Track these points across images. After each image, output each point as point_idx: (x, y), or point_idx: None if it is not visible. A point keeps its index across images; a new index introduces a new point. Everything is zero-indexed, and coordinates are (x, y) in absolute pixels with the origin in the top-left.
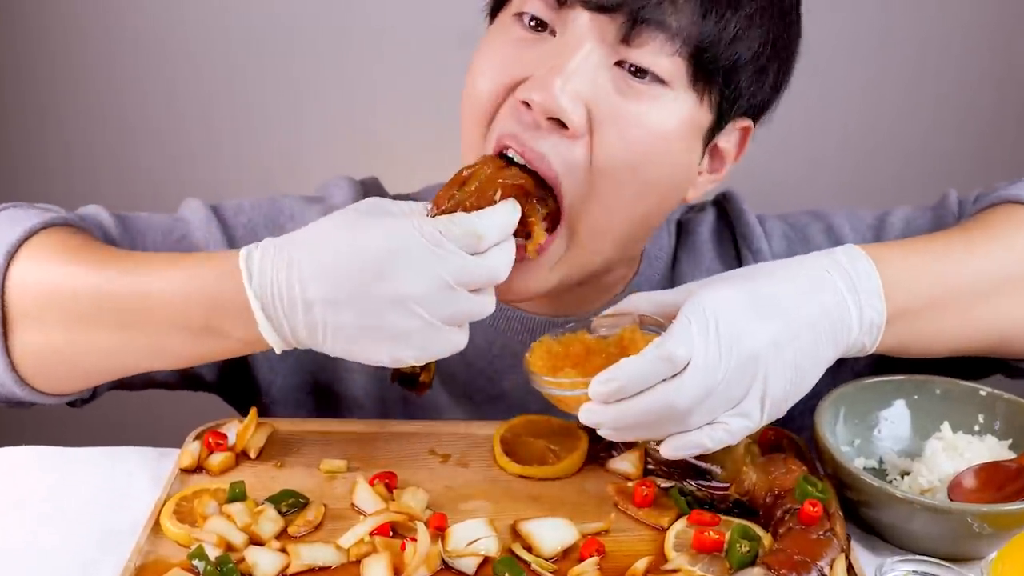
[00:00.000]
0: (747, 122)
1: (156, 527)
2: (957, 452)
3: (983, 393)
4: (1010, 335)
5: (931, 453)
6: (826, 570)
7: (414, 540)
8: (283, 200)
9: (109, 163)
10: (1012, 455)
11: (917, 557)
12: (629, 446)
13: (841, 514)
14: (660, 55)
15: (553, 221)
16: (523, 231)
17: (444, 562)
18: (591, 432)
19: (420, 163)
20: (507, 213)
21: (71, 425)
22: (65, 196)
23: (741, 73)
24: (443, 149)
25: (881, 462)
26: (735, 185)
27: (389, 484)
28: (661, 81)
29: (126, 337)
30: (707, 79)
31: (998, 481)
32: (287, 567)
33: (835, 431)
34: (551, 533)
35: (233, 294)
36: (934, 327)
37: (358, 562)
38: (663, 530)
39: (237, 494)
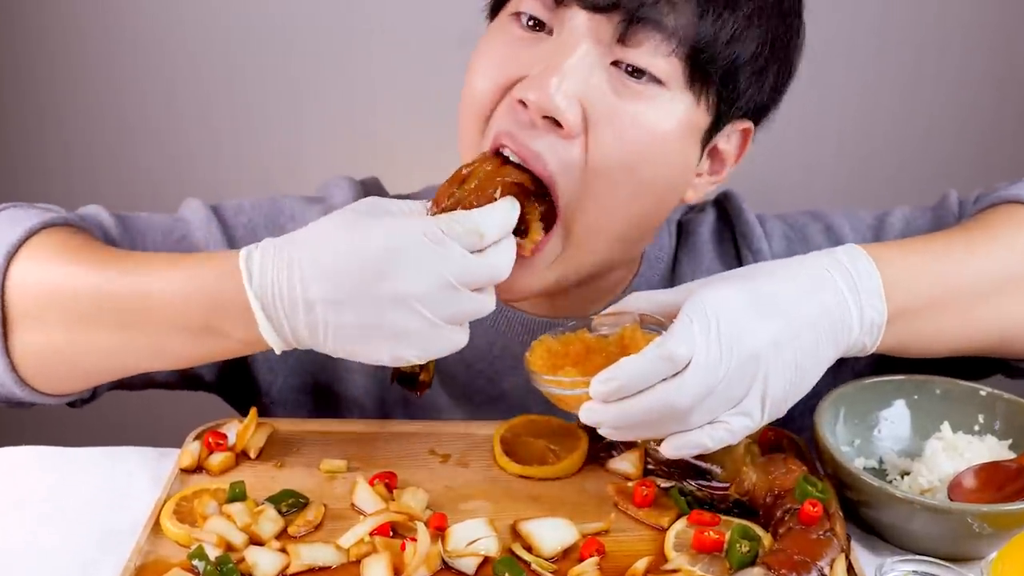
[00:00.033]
0: (747, 124)
1: (156, 527)
2: (957, 452)
3: (983, 393)
4: (1011, 335)
5: (931, 453)
6: (826, 570)
7: (414, 540)
8: (283, 200)
9: (109, 163)
10: (1012, 455)
11: (917, 557)
12: (629, 446)
13: (841, 514)
14: (656, 55)
15: (549, 220)
16: (520, 229)
17: (444, 562)
18: (591, 432)
19: (420, 163)
20: (507, 211)
21: (71, 425)
22: (65, 196)
23: (740, 74)
24: (443, 149)
25: (881, 462)
26: (734, 186)
27: (389, 484)
28: (658, 81)
29: (126, 337)
30: (704, 80)
31: (998, 481)
32: (287, 567)
33: (835, 431)
34: (551, 533)
35: (233, 294)
36: (934, 327)
37: (358, 562)
38: (663, 530)
39: (237, 494)
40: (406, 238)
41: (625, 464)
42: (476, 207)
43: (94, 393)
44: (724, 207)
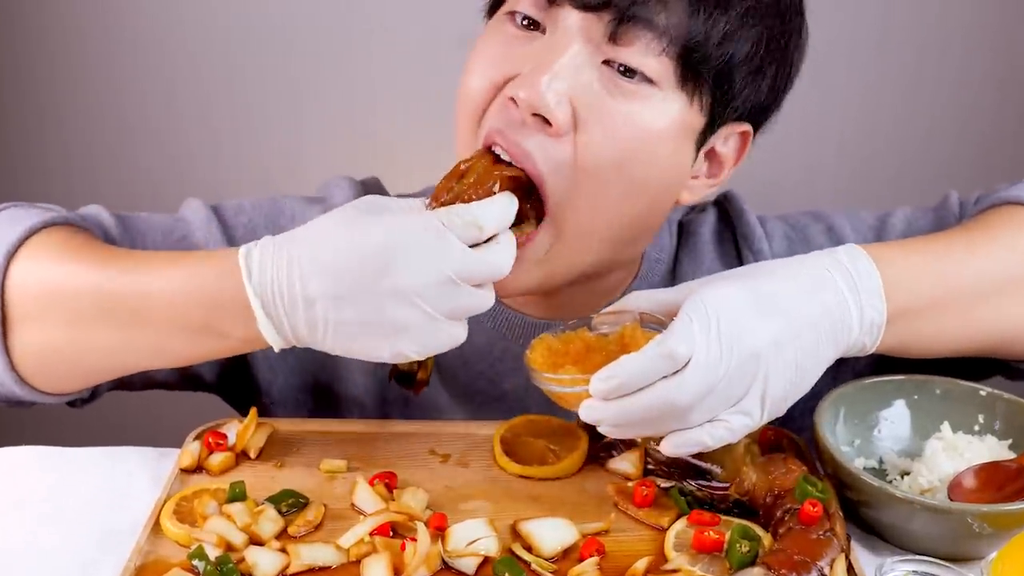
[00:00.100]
0: (746, 126)
1: (156, 527)
2: (957, 452)
3: (983, 393)
4: (1011, 336)
5: (931, 453)
6: (826, 570)
7: (414, 540)
8: (284, 200)
9: (108, 163)
10: (1012, 455)
11: (917, 557)
12: (629, 446)
13: (841, 514)
14: (647, 54)
15: (542, 216)
16: (515, 223)
17: (444, 562)
18: (591, 431)
19: (420, 163)
20: (506, 205)
21: (71, 425)
22: (65, 196)
23: (734, 74)
24: (443, 149)
25: (881, 462)
26: (735, 187)
27: (389, 484)
28: (649, 81)
29: (126, 336)
30: (697, 80)
31: (998, 481)
32: (287, 567)
33: (835, 431)
34: (551, 533)
35: (233, 292)
36: (935, 327)
37: (358, 562)
38: (663, 530)
39: (237, 494)
40: (406, 233)
41: (625, 464)
42: (475, 201)
43: (94, 393)
44: (725, 208)
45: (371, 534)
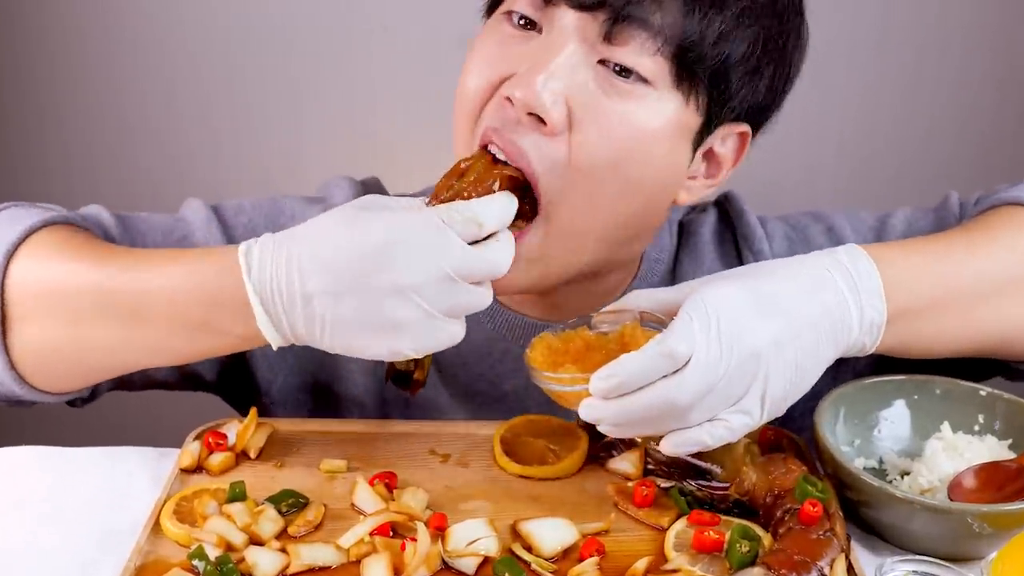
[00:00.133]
0: (744, 127)
1: (156, 527)
2: (957, 452)
3: (983, 393)
4: (1011, 336)
5: (931, 453)
6: (826, 570)
7: (414, 540)
8: (284, 200)
9: (108, 163)
10: (1012, 455)
11: (917, 557)
12: (629, 446)
13: (841, 514)
14: (642, 54)
15: (536, 215)
16: (513, 224)
17: (444, 562)
18: (591, 431)
19: (420, 163)
20: (505, 203)
21: (71, 425)
22: (65, 196)
23: (731, 74)
24: (443, 149)
25: (881, 462)
26: (735, 187)
27: (389, 484)
28: (645, 80)
29: (126, 334)
30: (692, 79)
31: (998, 481)
32: (287, 567)
33: (835, 431)
34: (551, 533)
35: (233, 289)
36: (935, 327)
37: (358, 562)
38: (663, 530)
39: (237, 494)
40: (405, 230)
41: (625, 464)
42: (475, 198)
43: (94, 392)
44: (725, 208)
45: (371, 534)
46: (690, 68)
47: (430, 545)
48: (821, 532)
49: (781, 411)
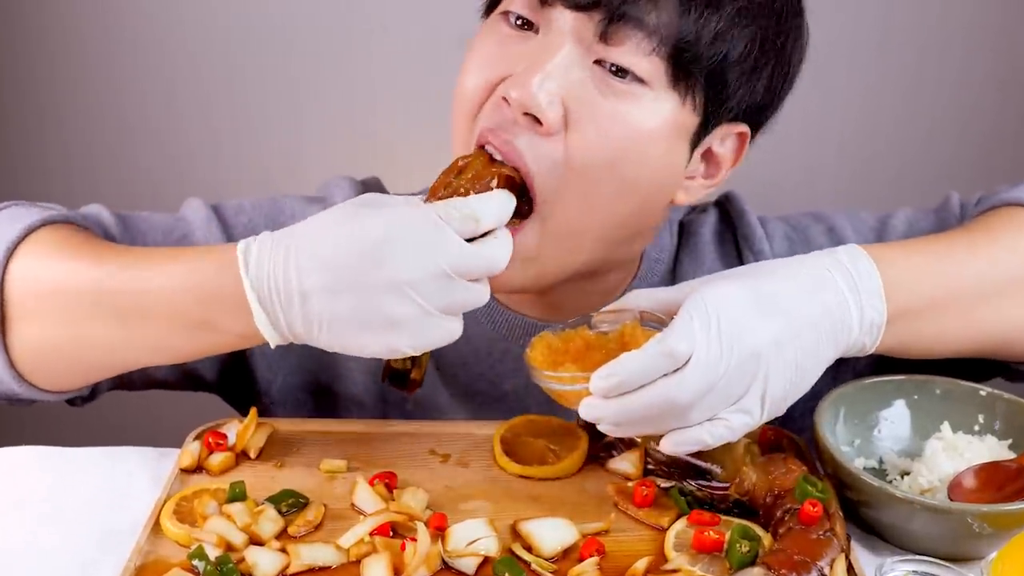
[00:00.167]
0: (743, 127)
1: (156, 527)
2: (957, 452)
3: (983, 393)
4: (1012, 337)
5: (931, 453)
6: (826, 570)
7: (414, 540)
8: (284, 200)
9: (108, 163)
10: (1012, 455)
11: (917, 557)
12: (629, 446)
13: (841, 514)
14: (638, 54)
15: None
16: (509, 222)
17: (444, 562)
18: (591, 431)
19: (420, 163)
20: (503, 201)
21: (71, 425)
22: (65, 196)
23: (728, 74)
24: (443, 149)
25: (881, 462)
26: (735, 187)
27: (389, 484)
28: (640, 80)
29: (126, 332)
30: (688, 79)
31: (998, 481)
32: (287, 567)
33: (835, 431)
34: (551, 533)
35: (232, 287)
36: (935, 328)
37: (358, 562)
38: (663, 530)
39: (237, 494)
40: (402, 226)
41: (625, 464)
42: (473, 195)
43: (94, 391)
44: (726, 208)
45: (371, 534)
46: (686, 68)
47: (430, 545)
48: (821, 532)
49: (781, 411)
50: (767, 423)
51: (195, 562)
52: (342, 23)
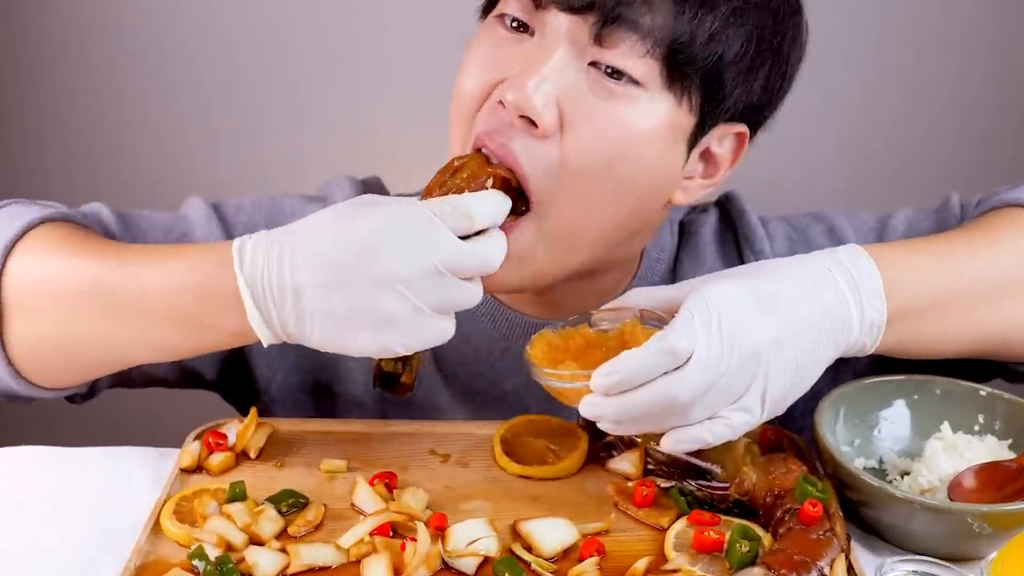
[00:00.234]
0: (741, 127)
1: (156, 527)
2: (957, 452)
3: (983, 393)
4: (1012, 337)
5: (931, 453)
6: (826, 570)
7: (414, 540)
8: (284, 199)
9: (108, 163)
10: (1012, 455)
11: (917, 557)
12: (629, 446)
13: (841, 514)
14: (632, 56)
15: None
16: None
17: (444, 562)
18: (591, 431)
19: (420, 163)
20: (498, 200)
21: (71, 425)
22: (65, 196)
23: (724, 74)
24: (443, 149)
25: (881, 462)
26: (734, 187)
27: (389, 484)
28: (636, 82)
29: (125, 330)
30: (684, 80)
31: (998, 481)
32: (287, 567)
33: (835, 431)
34: (551, 533)
35: (230, 285)
36: (935, 328)
37: (358, 562)
38: (663, 530)
39: (237, 494)
40: (396, 222)
41: (625, 464)
42: (468, 193)
43: (93, 389)
44: (726, 208)
45: (371, 534)
46: (681, 69)
47: (430, 545)
48: (821, 532)
49: (781, 410)
50: (767, 423)
51: (195, 562)
52: (342, 23)
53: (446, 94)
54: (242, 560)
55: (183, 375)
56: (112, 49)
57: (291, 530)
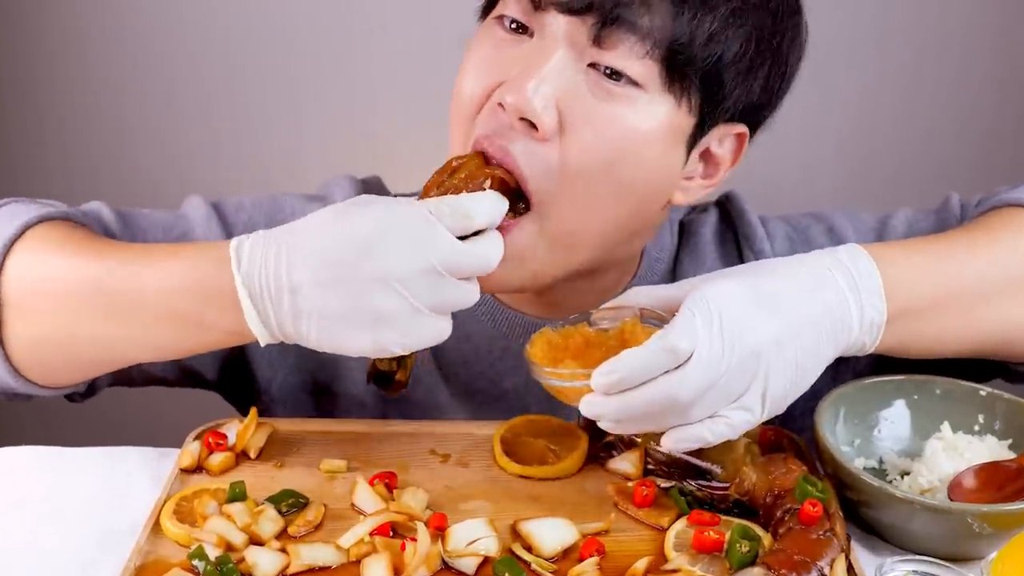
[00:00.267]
0: (741, 127)
1: (156, 527)
2: (957, 452)
3: (983, 393)
4: (1012, 337)
5: (931, 453)
6: (826, 570)
7: (414, 540)
8: (284, 198)
9: (108, 163)
10: (1012, 455)
11: (917, 557)
12: (629, 446)
13: (841, 514)
14: (631, 57)
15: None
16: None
17: (444, 562)
18: (591, 431)
19: (420, 163)
20: (496, 201)
21: (71, 425)
22: (65, 196)
23: (723, 74)
24: (443, 149)
25: (881, 462)
26: (734, 187)
27: (389, 484)
28: (635, 83)
29: (124, 329)
30: (683, 81)
31: (998, 481)
32: (287, 567)
33: (835, 431)
34: (551, 533)
35: (228, 284)
36: (935, 327)
37: (358, 562)
38: (663, 530)
39: (237, 494)
40: (393, 221)
41: (625, 464)
42: (465, 193)
43: (92, 387)
44: (726, 208)
45: (371, 534)
46: (680, 70)
47: (430, 545)
48: (821, 532)
49: (781, 409)
50: (767, 423)
51: (195, 562)
52: (342, 23)
53: (446, 94)
54: (242, 560)
55: (183, 374)
56: (112, 49)
57: (291, 530)
